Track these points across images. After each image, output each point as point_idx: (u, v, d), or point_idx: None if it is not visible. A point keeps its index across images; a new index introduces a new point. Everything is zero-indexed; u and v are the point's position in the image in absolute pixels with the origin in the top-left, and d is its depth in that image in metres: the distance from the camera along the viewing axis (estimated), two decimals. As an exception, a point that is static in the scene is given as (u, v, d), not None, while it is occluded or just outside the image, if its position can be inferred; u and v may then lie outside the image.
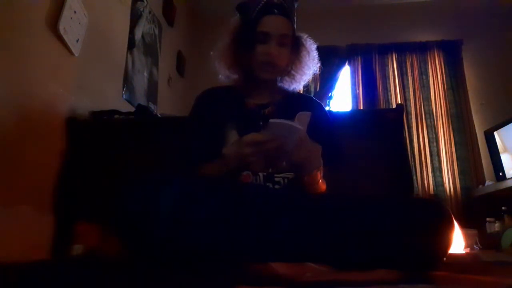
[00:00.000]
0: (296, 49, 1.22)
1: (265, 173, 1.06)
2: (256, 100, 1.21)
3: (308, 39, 1.25)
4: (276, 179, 1.07)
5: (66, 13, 1.58)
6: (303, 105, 1.23)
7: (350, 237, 0.78)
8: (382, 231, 0.78)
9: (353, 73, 3.42)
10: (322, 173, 1.06)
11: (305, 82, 1.27)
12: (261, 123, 1.12)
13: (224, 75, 1.25)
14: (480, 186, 2.90)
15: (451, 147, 3.13)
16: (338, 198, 0.89)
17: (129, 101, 2.26)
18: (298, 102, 1.25)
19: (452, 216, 0.81)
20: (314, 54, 1.25)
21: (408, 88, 3.32)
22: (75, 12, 1.65)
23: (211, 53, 1.25)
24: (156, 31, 2.75)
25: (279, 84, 1.27)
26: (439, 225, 0.80)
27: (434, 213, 0.81)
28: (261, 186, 1.05)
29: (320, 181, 1.06)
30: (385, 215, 0.80)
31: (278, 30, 1.13)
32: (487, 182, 2.87)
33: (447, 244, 0.79)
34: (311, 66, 1.24)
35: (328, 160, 1.07)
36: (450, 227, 0.80)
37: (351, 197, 0.93)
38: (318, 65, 1.26)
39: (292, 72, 1.24)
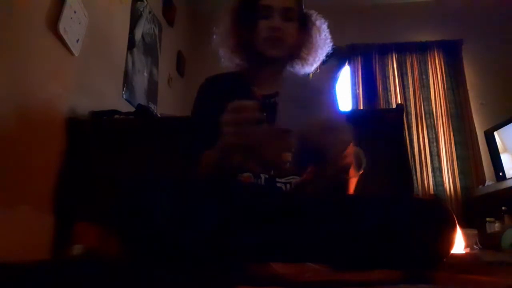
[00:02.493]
0: (304, 26, 1.11)
1: (267, 176, 0.98)
2: (263, 88, 1.08)
3: (318, 17, 1.15)
4: (278, 184, 0.97)
5: (66, 13, 1.58)
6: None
7: (352, 237, 0.78)
8: (384, 232, 0.77)
9: (353, 73, 3.42)
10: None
11: (318, 64, 1.16)
12: (265, 114, 1.06)
13: (227, 59, 1.15)
14: (480, 186, 2.90)
15: (451, 147, 3.13)
16: (340, 199, 0.88)
17: (129, 101, 2.26)
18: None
19: (455, 218, 0.80)
20: (326, 33, 1.15)
21: (408, 88, 3.32)
22: (75, 12, 1.65)
23: (213, 37, 1.15)
24: (156, 31, 2.74)
25: (290, 69, 1.14)
26: (442, 226, 0.78)
27: (437, 214, 0.80)
28: (262, 186, 1.03)
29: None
30: (387, 216, 0.79)
31: (281, 3, 1.04)
32: (487, 182, 2.87)
33: (449, 245, 0.78)
34: (323, 46, 1.14)
35: None
36: (453, 228, 0.79)
37: (353, 197, 0.93)
38: (331, 45, 1.16)
39: (303, 54, 1.13)
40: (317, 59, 1.16)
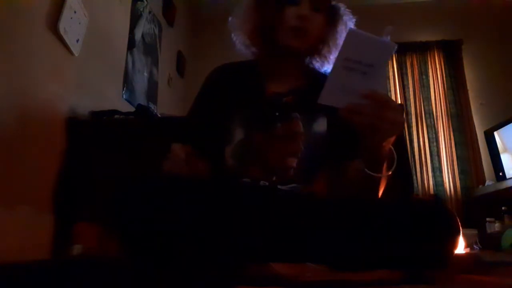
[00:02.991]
0: (331, 20, 1.02)
1: (267, 183, 0.93)
2: (277, 84, 1.00)
3: (346, 11, 1.04)
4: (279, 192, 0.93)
5: (66, 13, 1.58)
6: None
7: (353, 238, 0.77)
8: (387, 235, 0.75)
9: (353, 73, 3.42)
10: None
11: None
12: (277, 113, 0.94)
13: (243, 45, 1.05)
14: (480, 186, 2.90)
15: (451, 147, 3.13)
16: (343, 199, 0.87)
17: (129, 101, 2.26)
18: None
19: (459, 222, 0.77)
20: None
21: (408, 88, 3.32)
22: (75, 12, 1.65)
23: (229, 18, 1.06)
24: (156, 31, 2.74)
25: (309, 65, 1.07)
26: (445, 230, 0.76)
27: (440, 218, 0.77)
28: (261, 187, 1.02)
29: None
30: (390, 218, 0.77)
31: None
32: (487, 182, 2.87)
33: (452, 249, 0.77)
34: None
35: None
36: (457, 233, 0.77)
37: (355, 198, 0.91)
38: None
39: (324, 51, 1.03)
40: None
